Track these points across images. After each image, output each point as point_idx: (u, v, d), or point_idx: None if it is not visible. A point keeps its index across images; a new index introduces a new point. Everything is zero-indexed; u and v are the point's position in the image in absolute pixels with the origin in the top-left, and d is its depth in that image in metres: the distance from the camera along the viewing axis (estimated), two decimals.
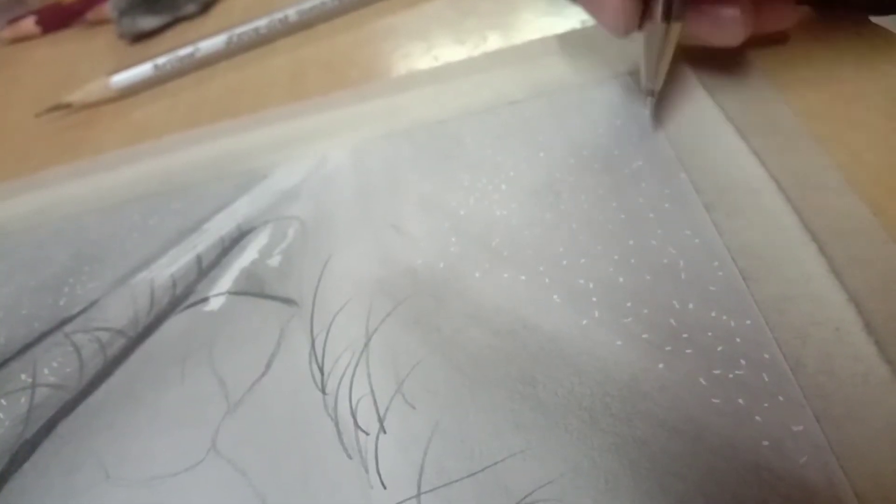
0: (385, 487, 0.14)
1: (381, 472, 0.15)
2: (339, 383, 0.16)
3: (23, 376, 0.19)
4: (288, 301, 0.19)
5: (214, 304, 0.19)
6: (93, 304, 0.21)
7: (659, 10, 0.17)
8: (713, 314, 0.15)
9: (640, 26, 0.18)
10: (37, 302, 0.21)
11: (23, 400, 0.18)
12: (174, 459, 0.16)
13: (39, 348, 0.20)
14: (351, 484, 0.15)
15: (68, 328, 0.20)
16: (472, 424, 0.15)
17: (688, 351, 0.15)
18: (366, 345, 0.17)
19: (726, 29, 0.18)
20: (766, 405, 0.14)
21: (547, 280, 0.17)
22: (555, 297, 0.17)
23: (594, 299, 0.16)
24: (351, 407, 0.16)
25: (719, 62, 0.21)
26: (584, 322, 0.16)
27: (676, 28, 0.18)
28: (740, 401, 0.14)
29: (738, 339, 0.15)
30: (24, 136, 0.30)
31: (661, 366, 0.15)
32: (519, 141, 0.21)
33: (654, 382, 0.15)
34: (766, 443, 0.13)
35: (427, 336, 0.17)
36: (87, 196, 0.25)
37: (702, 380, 0.14)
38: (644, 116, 0.20)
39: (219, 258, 0.21)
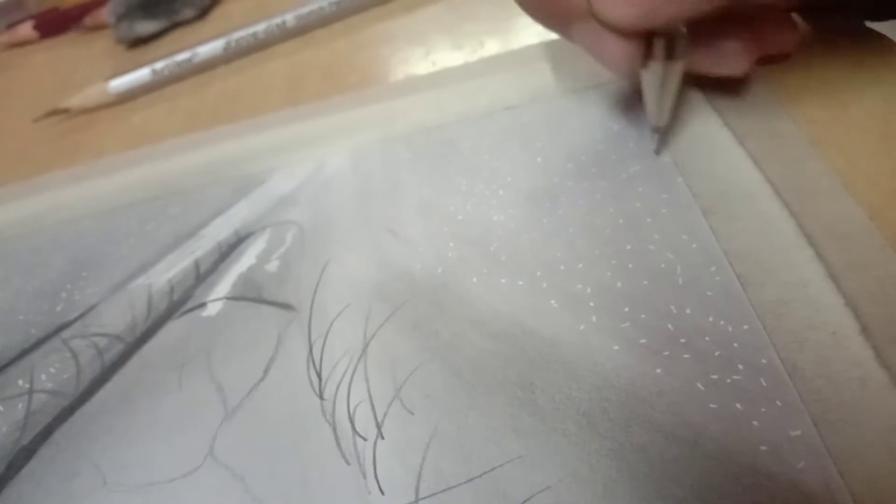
0: (383, 493, 0.14)
1: (380, 477, 0.15)
2: (337, 389, 0.16)
3: (20, 382, 0.19)
4: (286, 306, 0.19)
5: (212, 309, 0.19)
6: (90, 309, 0.21)
7: (660, 50, 0.17)
8: (711, 319, 0.15)
9: (643, 65, 0.18)
10: (34, 307, 0.21)
11: (20, 406, 0.18)
12: (172, 465, 0.16)
13: (37, 354, 0.20)
14: (349, 490, 0.15)
15: (66, 334, 0.20)
16: (471, 430, 0.15)
17: (685, 356, 0.15)
18: (364, 350, 0.17)
19: (729, 61, 0.18)
20: (763, 410, 0.14)
21: (545, 285, 0.17)
22: (552, 301, 0.17)
23: (592, 304, 0.16)
24: (349, 412, 0.16)
25: None
26: (582, 327, 0.16)
27: (679, 66, 0.18)
28: (738, 406, 0.14)
29: (735, 344, 0.15)
30: (22, 140, 0.31)
31: (658, 371, 0.15)
32: (516, 146, 0.21)
33: (651, 387, 0.15)
34: (763, 448, 0.13)
35: (425, 341, 0.17)
36: (84, 201, 0.25)
37: (699, 385, 0.14)
38: (648, 140, 0.20)
39: (216, 263, 0.21)
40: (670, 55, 0.17)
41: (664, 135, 0.20)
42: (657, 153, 0.20)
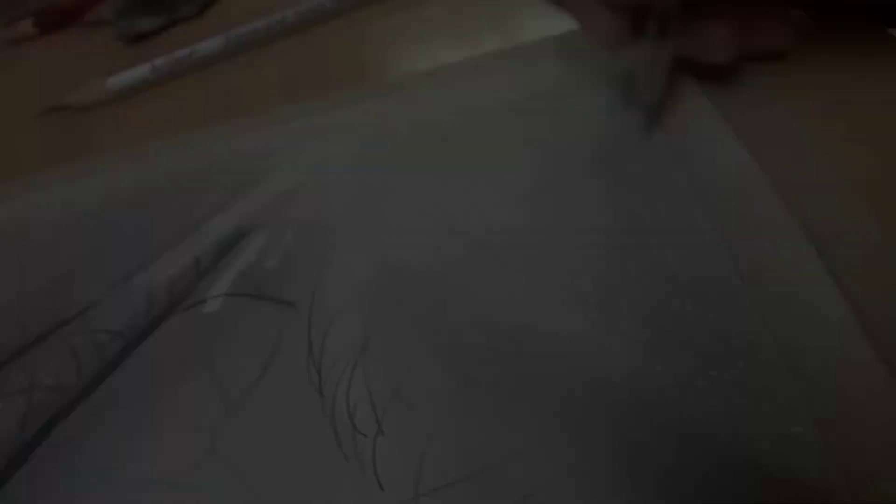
0: (383, 489, 0.14)
1: (379, 474, 0.15)
2: (337, 386, 0.16)
3: (20, 379, 0.19)
4: (286, 303, 0.19)
5: (212, 306, 0.19)
6: (91, 306, 0.20)
7: (654, 27, 0.17)
8: (711, 315, 0.15)
9: (633, 41, 0.18)
10: (34, 304, 0.21)
11: (20, 402, 0.18)
12: (172, 462, 0.16)
13: (37, 351, 0.20)
14: (349, 486, 0.15)
15: (66, 331, 0.20)
16: (470, 426, 0.15)
17: (686, 353, 0.15)
18: (363, 347, 0.17)
19: (714, 47, 0.18)
20: (763, 407, 0.14)
21: (545, 282, 0.17)
22: (552, 298, 0.17)
23: (592, 301, 0.16)
24: (349, 409, 0.16)
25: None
26: (582, 324, 0.16)
27: (670, 45, 0.18)
28: (738, 402, 0.14)
29: (735, 341, 0.15)
30: (23, 137, 0.30)
31: (658, 367, 0.15)
32: (517, 142, 0.21)
33: (651, 384, 0.15)
34: (763, 445, 0.13)
35: (425, 338, 0.17)
36: (85, 198, 0.25)
37: (699, 381, 0.14)
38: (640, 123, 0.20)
39: (216, 260, 0.21)
40: (662, 33, 0.17)
41: (655, 114, 0.20)
42: (648, 132, 0.20)
